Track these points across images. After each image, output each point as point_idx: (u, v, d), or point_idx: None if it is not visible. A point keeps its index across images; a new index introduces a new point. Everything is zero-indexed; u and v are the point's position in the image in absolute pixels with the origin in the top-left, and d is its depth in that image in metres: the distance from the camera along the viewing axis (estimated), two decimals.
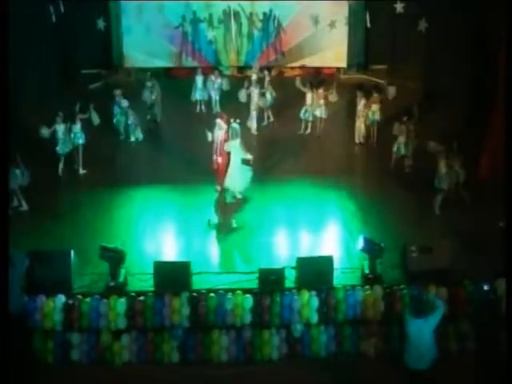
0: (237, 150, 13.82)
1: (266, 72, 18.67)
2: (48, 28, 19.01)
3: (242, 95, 17.98)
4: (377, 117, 16.73)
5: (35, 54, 18.53)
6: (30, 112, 16.95)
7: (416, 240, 11.41)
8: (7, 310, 8.80)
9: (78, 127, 15.48)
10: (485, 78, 15.63)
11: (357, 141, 16.99)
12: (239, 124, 14.19)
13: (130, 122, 17.16)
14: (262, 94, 17.75)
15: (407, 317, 9.01)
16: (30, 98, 17.63)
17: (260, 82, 17.99)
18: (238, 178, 13.83)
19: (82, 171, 15.60)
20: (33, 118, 16.45)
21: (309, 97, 17.32)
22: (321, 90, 17.38)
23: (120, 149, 17.11)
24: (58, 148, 15.30)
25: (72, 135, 15.43)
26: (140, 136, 17.32)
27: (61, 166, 15.49)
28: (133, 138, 17.25)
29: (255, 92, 17.65)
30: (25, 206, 13.75)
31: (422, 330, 8.83)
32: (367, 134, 16.92)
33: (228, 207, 13.58)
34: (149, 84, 18.16)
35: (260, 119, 17.93)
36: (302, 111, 17.42)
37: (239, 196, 14.03)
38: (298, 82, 17.57)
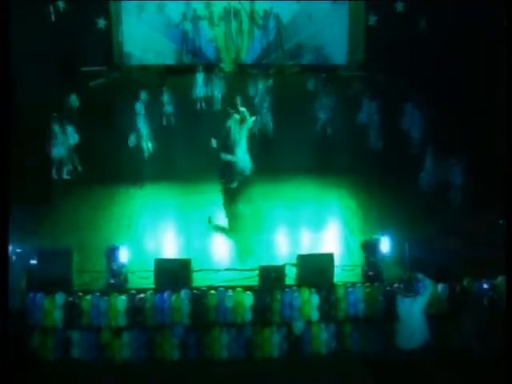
0: None
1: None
2: (48, 27, 19.03)
3: None
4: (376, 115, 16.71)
5: (35, 53, 18.52)
6: (30, 110, 16.95)
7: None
8: (7, 308, 8.80)
9: (71, 127, 15.50)
10: (485, 78, 15.64)
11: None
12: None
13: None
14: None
15: (398, 296, 9.21)
16: (30, 97, 17.63)
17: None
18: None
19: (80, 169, 15.61)
20: (33, 116, 16.45)
21: None
22: None
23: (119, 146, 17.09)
24: (54, 149, 15.32)
25: (67, 134, 15.45)
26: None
27: (60, 164, 15.49)
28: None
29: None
30: None
31: (411, 309, 9.01)
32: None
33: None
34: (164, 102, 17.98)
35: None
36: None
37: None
38: None
